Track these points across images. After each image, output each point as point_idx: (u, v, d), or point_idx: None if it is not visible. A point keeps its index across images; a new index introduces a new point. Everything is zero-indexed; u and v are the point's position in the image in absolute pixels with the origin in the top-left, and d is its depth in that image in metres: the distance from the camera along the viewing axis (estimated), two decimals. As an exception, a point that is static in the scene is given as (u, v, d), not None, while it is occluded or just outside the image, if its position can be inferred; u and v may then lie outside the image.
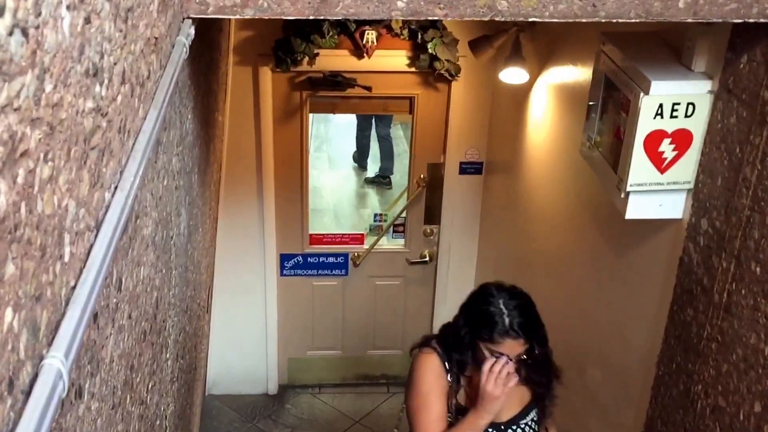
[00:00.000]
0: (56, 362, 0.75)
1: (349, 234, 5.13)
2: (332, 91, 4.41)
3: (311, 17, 1.54)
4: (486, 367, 2.24)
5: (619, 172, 2.15)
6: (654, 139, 2.05)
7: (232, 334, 5.02)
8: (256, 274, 4.90)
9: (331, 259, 4.99)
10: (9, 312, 0.68)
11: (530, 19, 1.61)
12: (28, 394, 0.72)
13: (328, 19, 1.75)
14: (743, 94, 1.84)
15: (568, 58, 3.26)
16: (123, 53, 1.07)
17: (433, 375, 2.36)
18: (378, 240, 5.04)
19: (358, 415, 5.12)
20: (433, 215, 4.95)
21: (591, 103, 2.41)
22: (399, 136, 7.81)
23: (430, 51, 4.18)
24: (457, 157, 4.73)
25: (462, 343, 2.31)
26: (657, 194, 2.14)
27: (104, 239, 0.95)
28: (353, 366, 5.36)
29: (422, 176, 4.83)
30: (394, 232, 5.15)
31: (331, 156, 7.79)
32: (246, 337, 5.11)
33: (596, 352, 2.90)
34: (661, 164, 2.08)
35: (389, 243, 5.19)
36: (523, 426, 2.41)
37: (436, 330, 5.14)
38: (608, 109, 2.30)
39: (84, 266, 0.91)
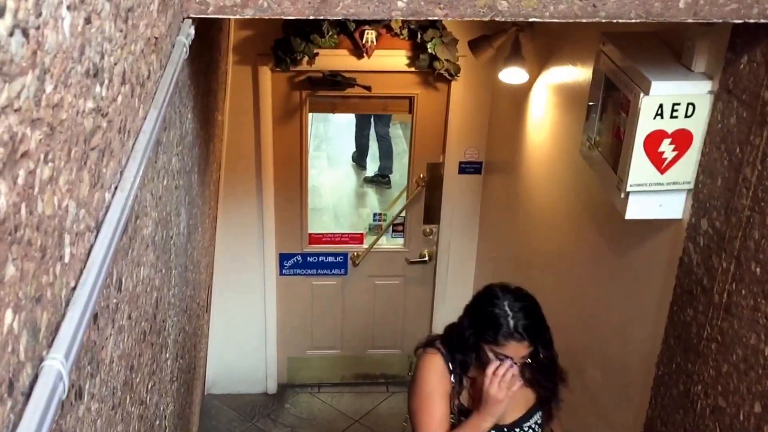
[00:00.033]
0: (56, 364, 0.74)
1: (348, 233, 5.12)
2: (332, 90, 4.41)
3: (311, 17, 1.54)
4: (489, 370, 2.22)
5: (619, 173, 2.15)
6: (654, 140, 2.05)
7: (231, 334, 5.02)
8: (256, 273, 4.90)
9: (330, 259, 4.99)
10: (9, 313, 0.67)
11: (530, 20, 1.61)
12: (28, 395, 0.72)
13: (328, 19, 1.75)
14: (743, 95, 1.84)
15: (567, 58, 3.26)
16: (123, 53, 1.07)
17: (436, 376, 2.35)
18: (377, 239, 5.04)
19: (358, 414, 5.12)
20: (432, 215, 4.95)
21: (591, 103, 2.40)
22: (398, 135, 7.81)
23: (429, 51, 4.18)
24: (456, 156, 4.73)
25: (466, 344, 2.30)
26: (657, 194, 2.13)
27: (104, 240, 0.95)
28: (352, 365, 5.36)
29: (422, 176, 4.83)
30: (393, 231, 5.15)
31: (331, 155, 7.79)
32: (245, 337, 5.11)
33: (596, 352, 2.90)
34: (661, 164, 2.08)
35: (388, 242, 5.19)
36: (526, 428, 2.40)
37: (435, 329, 5.15)
38: (608, 109, 2.30)
39: (84, 267, 0.91)
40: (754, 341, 1.76)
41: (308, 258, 4.96)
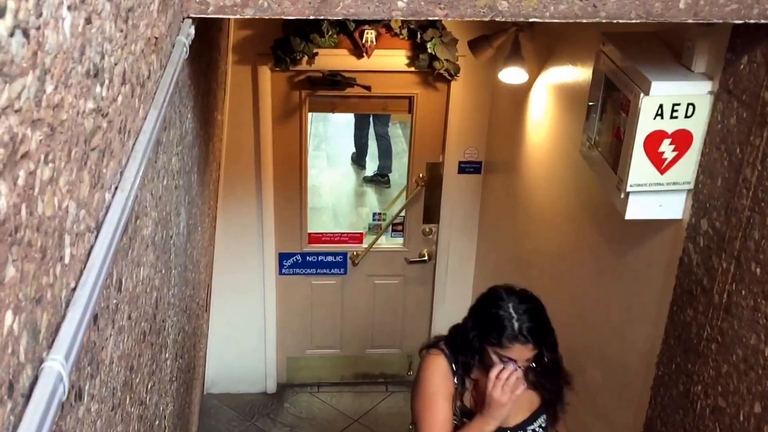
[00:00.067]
0: (56, 365, 0.74)
1: (347, 233, 5.12)
2: (331, 90, 4.41)
3: (311, 17, 1.54)
4: (493, 374, 2.20)
5: (619, 173, 2.15)
6: (654, 140, 2.04)
7: (230, 333, 5.02)
8: (255, 273, 4.89)
9: (329, 258, 4.98)
10: (9, 315, 0.67)
11: (531, 20, 1.61)
12: (28, 397, 0.71)
13: (328, 19, 1.74)
14: (743, 95, 1.84)
15: (567, 58, 3.25)
16: (123, 53, 1.07)
17: (440, 377, 2.33)
18: (377, 239, 5.04)
19: (357, 413, 5.12)
20: (431, 214, 4.95)
21: (591, 103, 2.40)
22: (398, 134, 7.81)
23: (429, 51, 4.18)
24: (456, 156, 4.72)
25: (470, 346, 2.28)
26: (657, 195, 2.13)
27: (104, 240, 0.95)
28: (352, 365, 5.36)
29: (421, 175, 4.82)
30: (392, 231, 5.14)
31: (330, 155, 7.79)
32: (245, 336, 5.10)
33: (596, 352, 2.90)
34: (661, 165, 2.08)
35: (388, 242, 5.19)
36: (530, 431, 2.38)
37: (435, 329, 5.15)
38: (608, 109, 2.30)
39: (84, 267, 0.91)
40: (754, 341, 1.76)
41: (308, 257, 4.95)
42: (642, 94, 2.00)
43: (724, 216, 1.91)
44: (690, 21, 1.63)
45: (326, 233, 5.09)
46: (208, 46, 2.63)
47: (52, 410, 0.72)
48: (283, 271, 4.96)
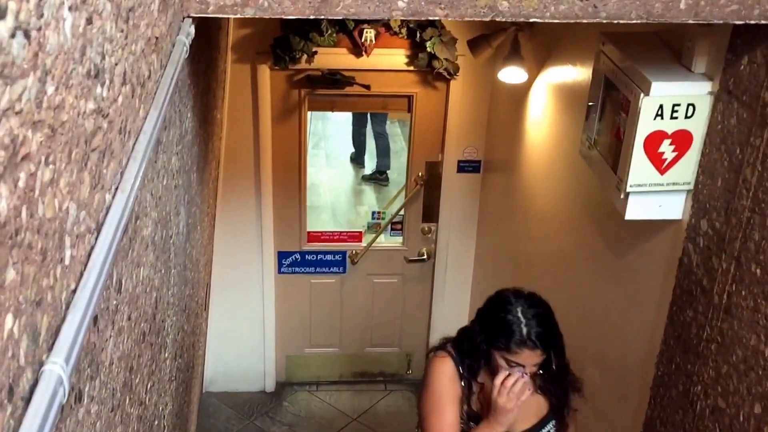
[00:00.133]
0: (56, 368, 0.74)
1: (347, 232, 5.12)
2: (331, 89, 4.40)
3: (312, 17, 1.53)
4: (498, 380, 2.17)
5: (618, 173, 2.15)
6: (654, 140, 2.04)
7: (229, 332, 5.02)
8: (254, 271, 4.89)
9: (328, 257, 4.98)
10: (9, 318, 0.67)
11: (531, 20, 1.61)
12: (28, 400, 0.71)
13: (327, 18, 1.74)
14: (743, 96, 1.84)
15: (567, 58, 3.25)
16: (124, 53, 1.06)
17: (446, 380, 2.29)
18: (376, 238, 5.04)
19: (356, 412, 5.12)
20: (431, 213, 4.95)
21: (590, 103, 2.40)
22: (397, 133, 7.80)
23: (428, 50, 4.18)
24: (455, 155, 4.72)
25: (477, 350, 2.23)
26: (657, 195, 2.13)
27: (105, 241, 0.95)
28: (351, 363, 5.36)
29: (420, 174, 4.82)
30: (392, 229, 5.14)
31: (329, 153, 7.78)
32: (243, 335, 5.10)
33: (595, 353, 2.90)
34: (661, 165, 2.08)
35: (387, 241, 5.19)
36: None
37: (434, 328, 5.15)
38: (608, 109, 2.30)
39: (84, 269, 0.90)
40: (754, 342, 1.76)
41: (307, 256, 4.95)
42: (642, 95, 2.00)
43: (724, 216, 1.91)
44: (690, 21, 1.63)
45: (325, 232, 5.09)
46: (208, 44, 2.63)
47: (52, 414, 0.71)
48: (282, 269, 4.96)
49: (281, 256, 4.92)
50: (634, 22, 1.60)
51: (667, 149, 2.05)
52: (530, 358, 2.15)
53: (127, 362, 1.27)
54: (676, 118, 2.01)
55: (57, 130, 0.79)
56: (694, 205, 2.08)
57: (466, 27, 4.03)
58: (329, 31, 4.11)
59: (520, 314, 2.14)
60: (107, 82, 0.98)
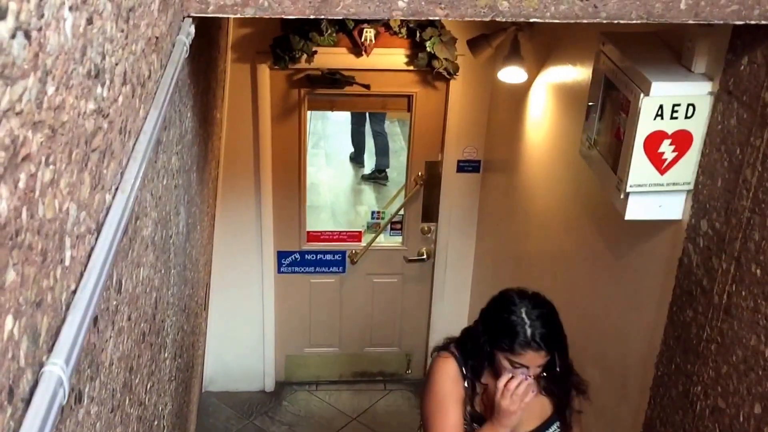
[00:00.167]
0: (56, 369, 0.74)
1: (346, 231, 5.12)
2: (330, 88, 4.40)
3: (312, 17, 1.53)
4: (501, 383, 2.15)
5: (618, 173, 2.15)
6: (654, 140, 2.04)
7: (229, 332, 5.02)
8: (254, 271, 4.89)
9: (328, 257, 4.98)
10: (9, 319, 0.67)
11: (531, 20, 1.61)
12: (28, 402, 0.71)
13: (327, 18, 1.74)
14: (744, 96, 1.84)
15: (567, 58, 3.25)
16: (124, 53, 1.06)
17: (449, 380, 2.26)
18: (375, 237, 5.04)
19: (355, 412, 5.12)
20: (430, 213, 4.95)
21: (590, 103, 2.40)
22: (396, 132, 7.80)
23: (428, 49, 4.18)
24: (455, 155, 4.72)
25: (480, 350, 2.21)
26: (657, 195, 2.13)
27: (105, 241, 0.94)
28: (350, 363, 5.36)
29: (420, 174, 4.82)
30: (391, 229, 5.14)
31: (329, 153, 7.78)
32: (243, 335, 5.10)
33: (595, 353, 2.90)
34: (661, 165, 2.07)
35: (387, 240, 5.18)
36: None
37: (433, 327, 5.15)
38: (607, 109, 2.30)
39: (85, 270, 0.90)
40: (755, 342, 1.76)
41: (306, 256, 4.95)
42: (642, 95, 2.00)
43: (724, 217, 1.91)
44: (691, 22, 1.63)
45: (325, 232, 5.09)
46: (208, 44, 2.63)
47: (53, 415, 0.71)
48: (282, 269, 4.96)
49: (281, 255, 4.91)
50: (635, 22, 1.60)
51: (667, 149, 2.05)
52: (534, 359, 2.13)
53: (127, 363, 1.27)
54: (676, 118, 2.01)
55: (57, 130, 0.78)
56: (694, 206, 2.08)
57: (466, 27, 4.03)
58: (329, 31, 4.11)
59: (524, 315, 2.12)
60: (107, 82, 0.98)
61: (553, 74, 3.46)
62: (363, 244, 5.02)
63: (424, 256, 5.03)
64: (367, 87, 4.36)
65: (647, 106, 2.00)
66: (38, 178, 0.73)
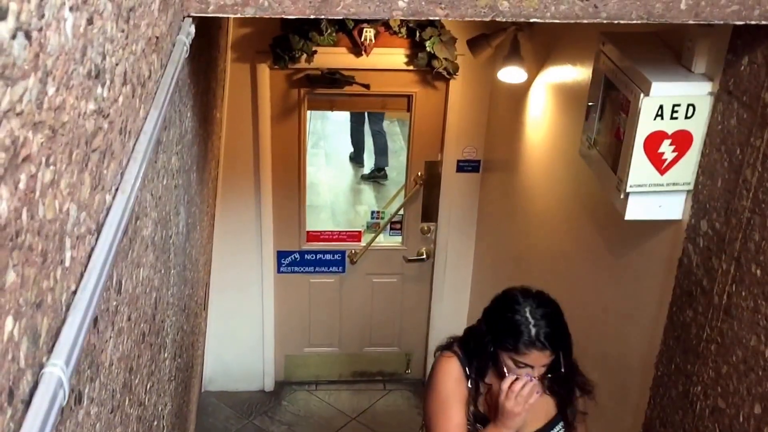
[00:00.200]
0: (57, 370, 0.74)
1: (346, 231, 5.12)
2: (330, 88, 4.40)
3: (312, 16, 1.53)
4: (505, 384, 2.12)
5: (618, 173, 2.15)
6: (654, 140, 2.04)
7: (228, 331, 5.02)
8: (253, 271, 4.89)
9: (328, 257, 4.98)
10: (9, 321, 0.67)
11: (531, 20, 1.61)
12: (28, 403, 0.71)
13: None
14: (744, 96, 1.83)
15: (566, 58, 3.25)
16: (125, 53, 1.06)
17: (452, 380, 2.23)
18: (375, 237, 5.04)
19: (355, 411, 5.12)
20: (430, 213, 4.95)
21: (590, 103, 2.40)
22: (396, 132, 7.80)
23: (428, 49, 4.17)
24: (454, 155, 4.72)
25: (484, 350, 2.18)
26: (657, 195, 2.13)
27: (105, 242, 0.94)
28: (350, 363, 5.36)
29: (420, 174, 4.82)
30: (391, 229, 5.14)
31: (328, 152, 7.78)
32: (243, 334, 5.10)
33: (595, 353, 2.90)
34: (661, 165, 2.07)
35: (386, 240, 5.18)
36: None
37: (433, 327, 5.15)
38: (607, 109, 2.30)
39: (85, 270, 0.90)
40: (755, 343, 1.76)
41: (306, 256, 4.95)
42: (642, 95, 2.00)
43: (724, 217, 1.91)
44: (691, 22, 1.63)
45: (324, 231, 5.09)
46: (208, 44, 2.63)
47: (53, 416, 0.71)
48: (282, 269, 4.95)
49: (280, 255, 4.91)
50: (635, 22, 1.60)
51: (667, 149, 2.05)
52: (539, 359, 2.11)
53: (127, 363, 1.27)
54: (676, 118, 2.01)
55: (58, 131, 0.78)
56: (694, 206, 2.08)
57: (466, 26, 4.03)
58: (329, 31, 4.11)
59: (528, 314, 2.10)
60: (108, 82, 0.98)
61: (553, 74, 3.46)
62: (363, 244, 5.02)
63: (424, 256, 5.03)
64: (367, 87, 4.36)
65: (647, 106, 2.00)
66: (38, 179, 0.73)
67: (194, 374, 3.22)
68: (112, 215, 0.99)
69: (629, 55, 2.14)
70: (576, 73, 3.11)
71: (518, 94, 3.88)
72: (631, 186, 2.10)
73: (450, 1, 1.53)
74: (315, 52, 4.19)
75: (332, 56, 4.26)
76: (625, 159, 2.10)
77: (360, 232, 5.12)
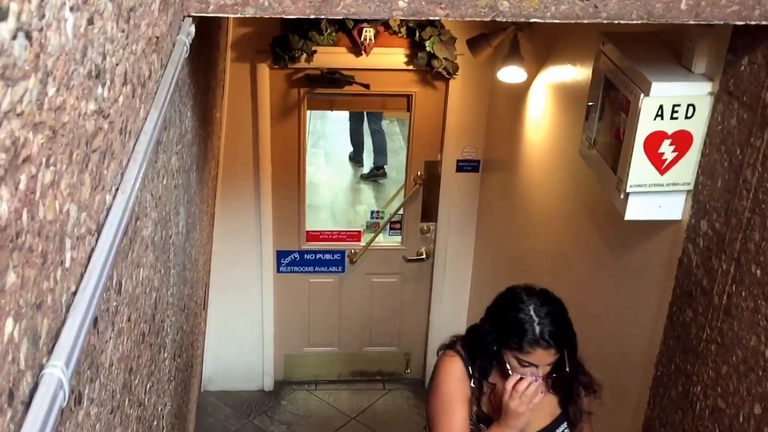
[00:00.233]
0: (57, 371, 0.73)
1: (345, 231, 5.12)
2: (330, 88, 4.40)
3: (312, 16, 1.53)
4: (509, 384, 2.10)
5: (618, 173, 2.15)
6: (654, 140, 2.04)
7: (228, 331, 5.02)
8: (253, 270, 4.89)
9: (327, 256, 4.98)
10: (10, 322, 0.66)
11: (531, 20, 1.60)
12: (28, 404, 0.71)
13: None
14: (744, 96, 1.83)
15: (566, 58, 3.25)
16: (125, 53, 1.06)
17: (455, 380, 2.21)
18: (375, 237, 5.04)
19: (354, 411, 5.12)
20: (430, 212, 4.95)
21: (590, 103, 2.40)
22: (395, 132, 7.80)
23: (428, 49, 4.17)
24: (454, 154, 4.72)
25: (488, 349, 2.15)
26: (657, 195, 2.13)
27: (105, 242, 0.94)
28: (349, 362, 5.36)
29: (419, 173, 4.82)
30: (390, 229, 5.14)
31: (328, 152, 7.78)
32: (242, 334, 5.10)
33: (595, 353, 2.89)
34: (661, 165, 2.07)
35: (386, 240, 5.18)
36: None
37: (432, 327, 5.15)
38: (607, 109, 2.30)
39: (85, 271, 0.90)
40: (755, 343, 1.76)
41: (305, 255, 4.95)
42: (642, 95, 2.00)
43: (724, 217, 1.91)
44: (691, 22, 1.62)
45: (324, 231, 5.09)
46: (208, 43, 2.63)
47: (53, 417, 0.71)
48: (281, 269, 4.95)
49: (280, 255, 4.91)
50: (635, 22, 1.60)
51: (667, 149, 2.05)
52: (544, 357, 2.08)
53: (127, 363, 1.27)
54: (676, 118, 2.01)
55: (58, 131, 0.78)
56: (694, 206, 2.08)
57: (466, 26, 4.03)
58: (328, 30, 4.11)
59: (532, 312, 2.07)
60: (108, 82, 0.97)
61: (553, 74, 3.46)
62: (362, 243, 5.01)
63: (423, 256, 5.03)
64: (367, 86, 4.36)
65: (647, 106, 2.00)
66: (39, 180, 0.73)
67: (194, 374, 3.22)
68: (112, 215, 0.99)
69: (629, 55, 2.13)
70: (576, 73, 3.11)
71: (518, 94, 3.88)
72: (631, 186, 2.10)
73: (450, 1, 1.53)
74: (315, 51, 4.19)
75: (332, 56, 4.26)
76: (625, 159, 2.09)
77: (359, 231, 5.12)
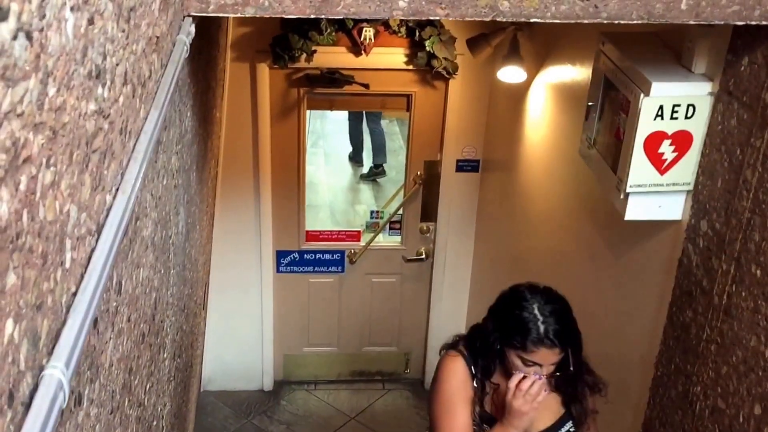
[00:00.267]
0: (57, 372, 0.73)
1: (345, 231, 5.12)
2: (330, 88, 4.40)
3: (312, 16, 1.53)
4: (513, 383, 2.09)
5: (618, 173, 2.15)
6: (654, 140, 2.04)
7: (228, 331, 5.02)
8: (253, 270, 4.89)
9: (327, 256, 4.98)
10: (10, 323, 0.66)
11: (532, 20, 1.60)
12: (28, 405, 0.70)
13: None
14: (744, 97, 1.83)
15: (566, 58, 3.25)
16: (125, 53, 1.06)
17: (457, 380, 2.19)
18: (374, 237, 5.04)
19: (354, 411, 5.12)
20: (429, 212, 4.95)
21: (590, 103, 2.40)
22: (395, 132, 7.80)
23: (427, 49, 4.17)
24: (454, 154, 4.72)
25: (491, 349, 2.13)
26: (656, 195, 2.13)
27: (105, 243, 0.94)
28: (349, 362, 5.36)
29: (419, 173, 4.82)
30: (390, 229, 5.14)
31: (328, 152, 7.78)
32: (242, 334, 5.10)
33: (595, 353, 2.89)
34: (661, 165, 2.07)
35: (386, 240, 5.18)
36: None
37: (432, 327, 5.15)
38: (607, 109, 2.29)
39: (85, 272, 0.90)
40: (755, 343, 1.76)
41: (305, 255, 4.95)
42: (642, 95, 2.00)
43: (724, 217, 1.91)
44: (691, 22, 1.62)
45: (324, 231, 5.09)
46: (208, 43, 2.62)
47: (53, 418, 0.71)
48: (281, 269, 4.95)
49: (280, 255, 4.91)
50: (635, 22, 1.59)
51: (667, 150, 2.05)
52: (548, 357, 2.06)
53: (127, 364, 1.27)
54: (676, 118, 2.01)
55: (58, 132, 0.78)
56: (694, 206, 2.08)
57: (466, 26, 4.03)
58: (328, 30, 4.11)
59: (536, 311, 2.05)
60: (108, 82, 0.97)
61: (553, 74, 3.46)
62: (362, 243, 5.01)
63: (423, 256, 5.03)
64: (367, 86, 4.35)
65: (647, 106, 2.00)
66: (39, 180, 0.73)
67: (193, 374, 3.21)
68: (112, 216, 0.99)
69: (629, 55, 2.13)
70: (576, 73, 3.11)
71: (518, 94, 3.88)
72: (631, 186, 2.10)
73: (450, 1, 1.53)
74: (314, 51, 4.18)
75: (332, 56, 4.26)
76: (625, 159, 2.09)
77: (359, 231, 5.12)
